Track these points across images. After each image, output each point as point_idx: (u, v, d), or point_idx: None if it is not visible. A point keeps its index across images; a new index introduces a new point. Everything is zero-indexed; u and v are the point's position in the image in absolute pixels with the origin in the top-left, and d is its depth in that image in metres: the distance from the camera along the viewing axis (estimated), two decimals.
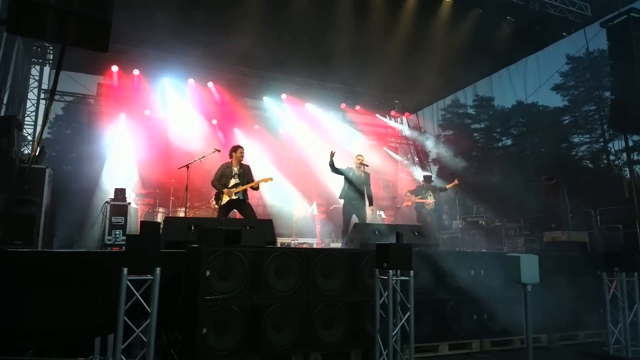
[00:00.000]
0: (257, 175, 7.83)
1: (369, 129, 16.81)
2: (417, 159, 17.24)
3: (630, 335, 5.19)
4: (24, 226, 5.78)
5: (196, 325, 3.94)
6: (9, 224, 5.61)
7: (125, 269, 3.50)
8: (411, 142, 17.46)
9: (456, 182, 9.84)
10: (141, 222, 4.00)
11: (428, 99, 16.41)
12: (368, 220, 8.09)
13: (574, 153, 16.74)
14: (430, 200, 9.69)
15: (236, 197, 7.33)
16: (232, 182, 7.41)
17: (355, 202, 7.99)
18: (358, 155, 8.36)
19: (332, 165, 7.87)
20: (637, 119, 8.06)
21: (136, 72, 12.62)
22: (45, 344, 4.06)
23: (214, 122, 13.81)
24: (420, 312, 4.78)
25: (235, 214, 7.94)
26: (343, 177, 8.15)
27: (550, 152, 15.70)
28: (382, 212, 13.38)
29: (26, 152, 10.79)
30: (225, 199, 7.29)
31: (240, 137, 13.67)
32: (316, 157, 13.70)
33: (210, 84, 13.60)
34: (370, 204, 8.17)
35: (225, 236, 4.41)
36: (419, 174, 15.65)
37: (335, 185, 8.96)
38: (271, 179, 7.72)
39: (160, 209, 10.94)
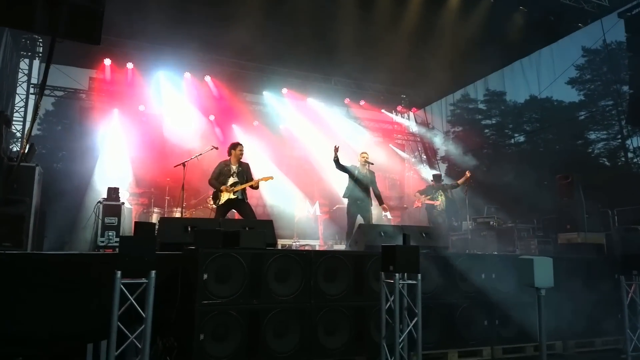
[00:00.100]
0: (256, 173, 7.83)
1: (374, 125, 16.79)
2: (424, 157, 17.22)
3: None
4: (13, 227, 5.80)
5: (193, 331, 3.95)
6: None
7: (119, 272, 3.51)
8: (419, 139, 17.43)
9: (467, 174, 9.73)
10: (135, 222, 4.01)
11: (436, 94, 16.37)
12: (374, 221, 8.09)
13: (590, 150, 16.66)
14: (438, 201, 9.65)
15: (235, 197, 7.34)
16: (231, 181, 7.42)
17: (361, 202, 7.97)
18: (363, 153, 8.35)
19: (336, 161, 7.83)
20: None
21: (130, 65, 12.63)
22: (35, 351, 4.07)
23: (212, 117, 13.82)
24: (429, 318, 4.78)
25: (234, 214, 7.94)
26: (347, 175, 8.13)
27: (565, 149, 15.64)
28: (388, 213, 13.36)
29: (15, 149, 10.85)
30: (224, 197, 7.29)
31: (239, 133, 13.67)
32: (319, 155, 13.68)
33: (208, 78, 13.60)
34: (381, 202, 8.18)
35: (223, 238, 4.41)
36: (426, 172, 15.62)
37: (339, 184, 8.94)
38: (271, 178, 7.72)
39: (155, 209, 10.96)
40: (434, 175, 10.54)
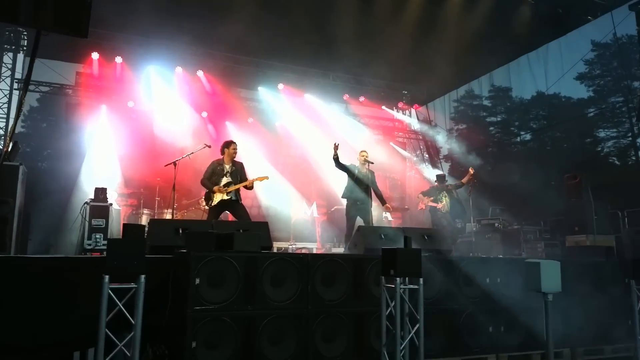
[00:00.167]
0: (251, 173, 7.84)
1: (374, 122, 16.78)
2: (427, 156, 17.24)
3: None
4: None
5: (184, 339, 3.94)
6: None
7: (107, 277, 3.50)
8: (421, 137, 17.45)
9: (471, 171, 9.71)
10: (124, 225, 4.00)
11: (439, 90, 16.39)
12: (374, 223, 8.10)
13: (599, 149, 16.71)
14: (441, 204, 9.63)
15: (228, 197, 7.33)
16: (224, 180, 7.42)
17: (361, 203, 7.96)
18: (362, 151, 8.35)
19: (336, 159, 7.82)
20: None
21: (119, 59, 12.59)
22: None
23: (204, 114, 13.80)
24: (431, 324, 4.78)
25: (227, 216, 7.94)
26: (347, 175, 8.13)
27: (573, 147, 15.69)
28: (388, 214, 13.38)
29: None
30: (217, 198, 7.29)
31: (232, 131, 13.66)
32: (316, 153, 13.69)
33: (200, 73, 13.58)
34: (384, 202, 8.20)
35: (216, 240, 4.41)
36: (429, 171, 15.64)
37: (338, 184, 8.95)
38: (267, 178, 7.73)
39: (145, 211, 10.95)
40: (437, 176, 10.54)
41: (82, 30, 4.17)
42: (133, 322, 3.56)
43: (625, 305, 5.50)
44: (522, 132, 17.63)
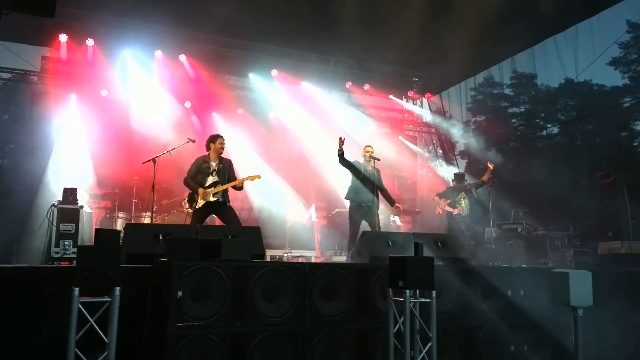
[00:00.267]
0: (241, 171, 7.84)
1: (380, 113, 16.79)
2: (440, 151, 17.24)
3: None
4: None
5: (165, 359, 3.94)
6: None
7: (77, 289, 3.50)
8: (433, 130, 17.44)
9: (490, 166, 9.71)
10: (96, 230, 4.01)
11: (455, 77, 16.36)
12: (381, 228, 8.11)
13: (636, 144, 16.76)
14: (458, 209, 9.63)
15: (215, 199, 7.34)
16: (210, 180, 7.42)
17: (367, 206, 7.98)
18: (367, 147, 8.37)
19: (341, 155, 7.84)
20: None
21: (90, 42, 12.57)
22: None
23: (188, 104, 13.79)
24: (445, 342, 4.79)
25: (214, 220, 7.94)
26: (351, 173, 8.13)
27: (606, 142, 15.72)
28: (397, 218, 13.38)
29: None
30: (202, 202, 7.29)
31: (220, 123, 13.65)
32: (315, 149, 13.69)
33: (183, 57, 13.55)
34: (393, 202, 8.23)
35: (201, 248, 4.41)
36: (443, 169, 15.64)
37: (340, 184, 8.97)
38: (259, 177, 7.74)
39: (120, 214, 10.94)
40: (455, 175, 10.53)
41: (49, 9, 4.17)
42: (106, 340, 3.56)
43: None
44: (549, 125, 17.67)
